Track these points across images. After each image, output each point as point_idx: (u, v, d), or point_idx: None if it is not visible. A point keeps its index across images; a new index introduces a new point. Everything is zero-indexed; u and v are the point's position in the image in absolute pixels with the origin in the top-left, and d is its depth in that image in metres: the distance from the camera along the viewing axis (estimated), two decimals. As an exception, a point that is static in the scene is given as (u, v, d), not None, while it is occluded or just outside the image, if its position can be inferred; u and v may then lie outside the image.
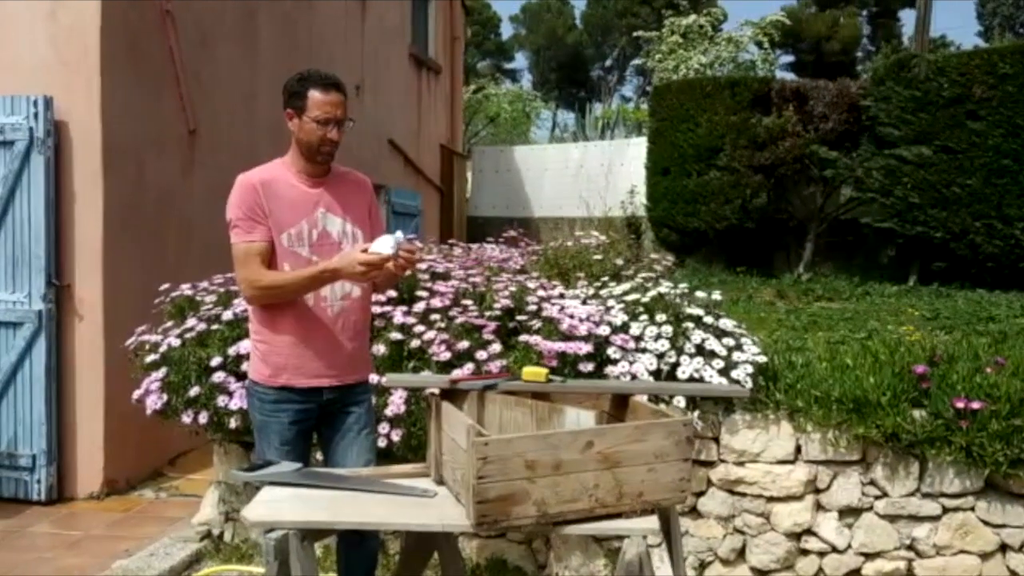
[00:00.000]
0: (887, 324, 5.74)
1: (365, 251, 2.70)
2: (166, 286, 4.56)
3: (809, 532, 3.89)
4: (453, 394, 2.68)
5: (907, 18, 35.30)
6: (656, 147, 10.14)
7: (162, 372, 4.06)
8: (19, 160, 5.08)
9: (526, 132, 22.58)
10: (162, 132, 5.85)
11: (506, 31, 41.10)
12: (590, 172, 13.76)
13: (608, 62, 40.52)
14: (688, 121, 9.56)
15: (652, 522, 2.35)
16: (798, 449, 3.88)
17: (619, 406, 2.75)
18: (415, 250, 2.84)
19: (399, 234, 2.73)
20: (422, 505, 2.52)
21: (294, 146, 2.96)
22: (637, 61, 21.88)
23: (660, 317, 3.92)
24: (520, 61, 42.02)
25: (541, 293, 4.22)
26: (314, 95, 2.85)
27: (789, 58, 33.38)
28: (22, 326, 5.13)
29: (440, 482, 2.65)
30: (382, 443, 3.73)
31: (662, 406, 3.16)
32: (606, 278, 4.67)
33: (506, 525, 2.30)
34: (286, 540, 2.34)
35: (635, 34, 19.98)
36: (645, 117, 18.63)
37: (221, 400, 3.91)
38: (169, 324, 4.33)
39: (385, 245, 2.69)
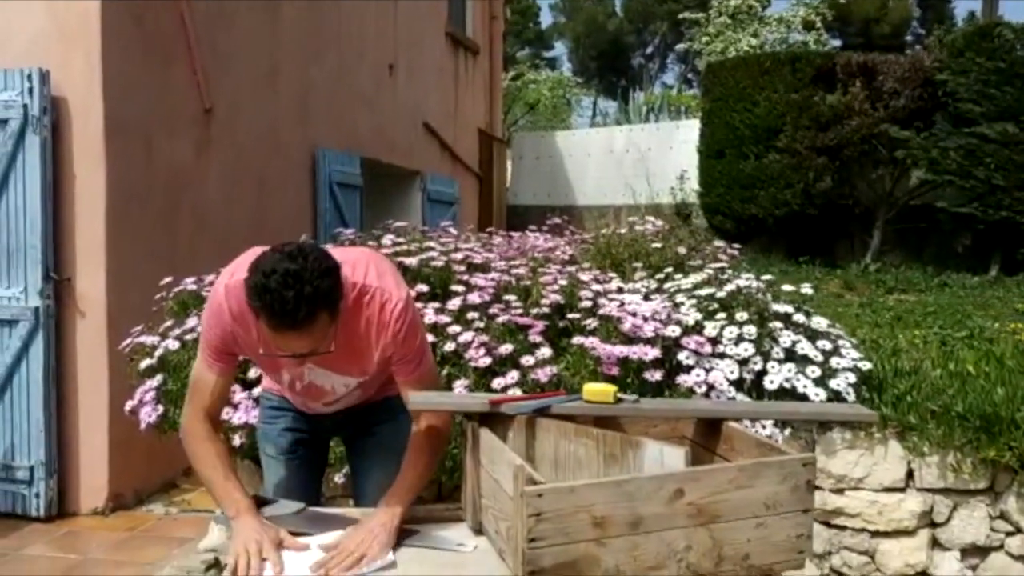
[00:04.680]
0: (985, 319, 5.07)
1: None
2: (168, 280, 4.03)
3: (924, 574, 3.25)
4: (494, 417, 2.08)
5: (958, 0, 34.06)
6: (710, 129, 9.49)
7: (158, 380, 3.52)
8: (12, 140, 4.57)
9: (566, 120, 21.86)
10: (173, 109, 5.32)
11: (545, 19, 40.41)
12: (636, 157, 13.05)
13: (649, 49, 39.63)
14: (745, 100, 8.91)
15: (763, 596, 1.76)
16: (910, 474, 3.24)
17: (707, 433, 2.14)
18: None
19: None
20: (455, 564, 1.95)
21: None
22: (681, 46, 21.13)
23: (741, 315, 3.28)
24: (559, 49, 41.27)
25: (596, 287, 3.61)
26: (266, 323, 1.89)
27: (836, 42, 32.29)
28: (17, 324, 4.63)
29: (479, 531, 2.07)
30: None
31: (755, 428, 2.54)
32: (669, 269, 4.03)
33: (568, 601, 1.71)
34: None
35: (681, 16, 19.29)
36: (690, 101, 17.89)
37: (224, 413, 3.36)
38: (169, 323, 3.80)
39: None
